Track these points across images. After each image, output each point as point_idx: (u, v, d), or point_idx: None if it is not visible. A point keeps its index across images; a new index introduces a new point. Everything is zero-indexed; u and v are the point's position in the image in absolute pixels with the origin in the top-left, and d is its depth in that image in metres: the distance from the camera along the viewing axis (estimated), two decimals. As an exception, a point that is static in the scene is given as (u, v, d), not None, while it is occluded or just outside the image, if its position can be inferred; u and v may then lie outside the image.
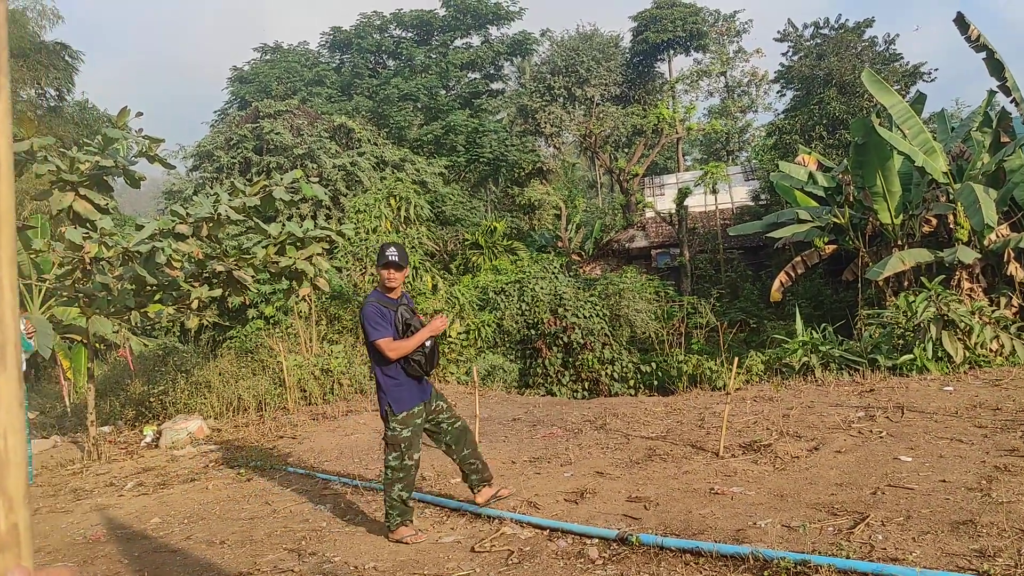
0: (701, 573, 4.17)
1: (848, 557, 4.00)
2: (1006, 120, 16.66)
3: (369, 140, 23.65)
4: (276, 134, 21.77)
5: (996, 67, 16.40)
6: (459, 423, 5.73)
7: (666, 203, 29.61)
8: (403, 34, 34.48)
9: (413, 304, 5.75)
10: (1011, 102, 16.92)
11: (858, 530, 4.41)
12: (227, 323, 14.40)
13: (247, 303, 13.82)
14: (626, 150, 36.25)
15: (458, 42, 34.28)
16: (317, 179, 18.58)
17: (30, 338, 6.69)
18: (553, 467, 6.67)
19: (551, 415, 9.04)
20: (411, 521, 5.46)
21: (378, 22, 33.91)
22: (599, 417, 8.53)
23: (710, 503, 5.30)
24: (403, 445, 5.36)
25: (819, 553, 4.13)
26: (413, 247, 14.80)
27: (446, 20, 33.62)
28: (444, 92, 31.71)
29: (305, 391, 10.94)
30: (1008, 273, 14.75)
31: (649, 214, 30.36)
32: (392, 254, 5.43)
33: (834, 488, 5.27)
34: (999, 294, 14.67)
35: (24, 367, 6.64)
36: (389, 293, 5.50)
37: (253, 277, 9.57)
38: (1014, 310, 14.30)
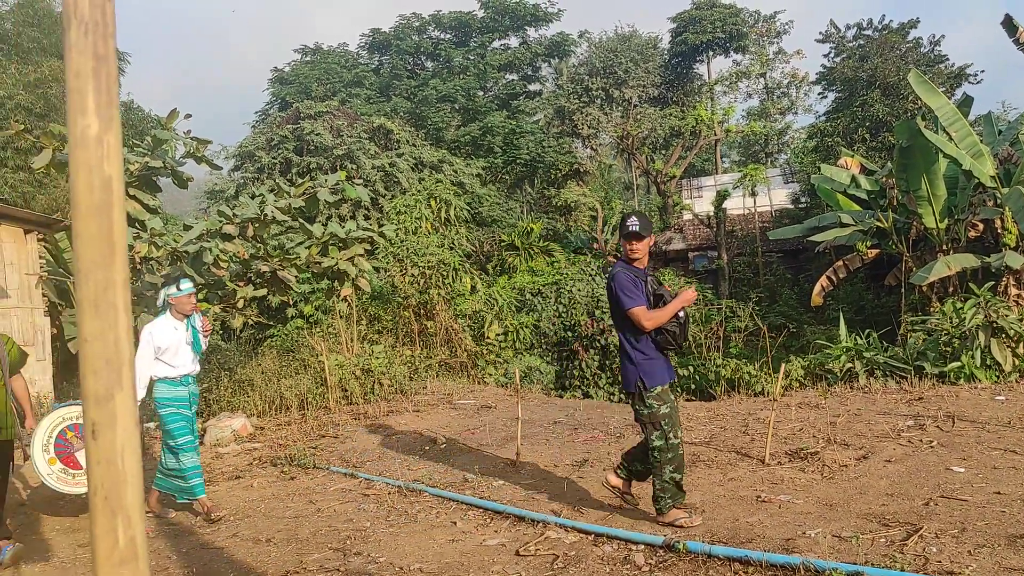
0: (750, 582, 4.13)
1: (903, 570, 3.94)
2: (1056, 123, 16.28)
3: (408, 141, 23.79)
4: (316, 135, 21.98)
5: (1047, 69, 16.01)
6: None
7: (704, 205, 29.38)
8: (441, 35, 34.60)
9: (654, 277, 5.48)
10: (1062, 105, 16.48)
11: (911, 542, 4.33)
12: (268, 322, 14.58)
13: (288, 302, 13.97)
14: (663, 152, 36.03)
15: (496, 43, 34.32)
16: (361, 181, 18.73)
17: (206, 336, 6.76)
18: (596, 471, 6.65)
19: (592, 418, 9.01)
20: (683, 503, 5.25)
21: (417, 23, 34.07)
22: (640, 421, 8.48)
23: (757, 511, 5.24)
24: (664, 423, 5.10)
25: (872, 565, 4.06)
26: (452, 247, 14.86)
27: (484, 21, 33.68)
28: (482, 93, 31.78)
29: (346, 391, 11.02)
30: (1063, 279, 14.42)
31: (687, 216, 30.15)
32: (633, 224, 5.21)
33: (885, 498, 5.19)
34: (1050, 300, 14.34)
35: (197, 369, 6.79)
36: (634, 263, 5.28)
37: (296, 277, 9.67)
38: (1064, 317, 13.96)
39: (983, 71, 31.51)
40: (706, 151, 38.42)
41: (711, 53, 36.74)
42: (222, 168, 14.28)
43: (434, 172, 22.39)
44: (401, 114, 28.29)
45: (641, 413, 5.20)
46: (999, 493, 5.01)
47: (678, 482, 5.15)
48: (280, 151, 22.42)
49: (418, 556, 5.03)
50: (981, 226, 16.87)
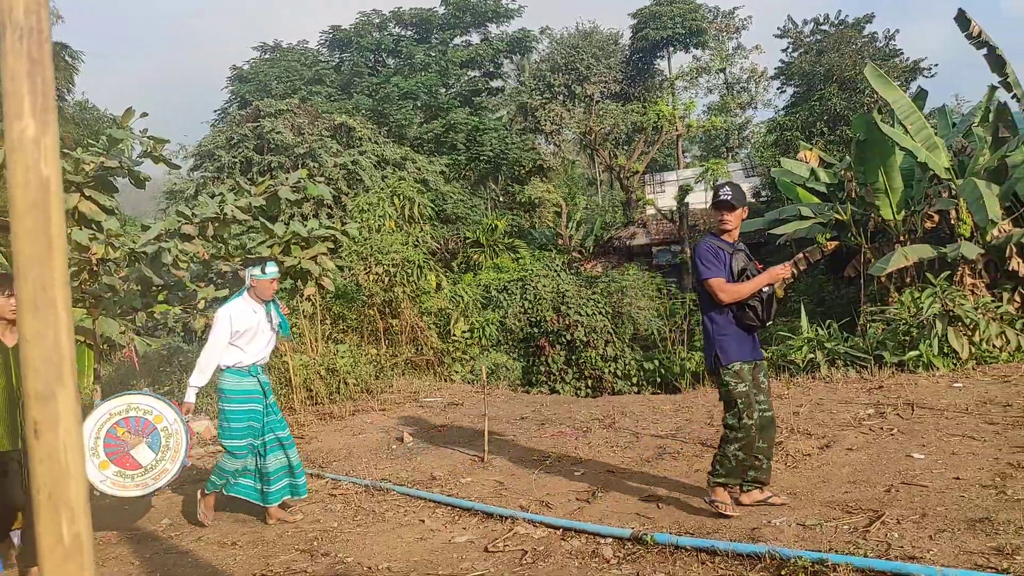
0: (717, 572, 4.16)
1: (866, 555, 3.99)
2: (1006, 115, 16.63)
3: (370, 139, 23.62)
4: (277, 133, 21.76)
5: (998, 63, 16.37)
6: (770, 412, 5.19)
7: (667, 200, 29.61)
8: (403, 32, 34.44)
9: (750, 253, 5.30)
10: (1012, 97, 16.90)
11: (874, 528, 4.40)
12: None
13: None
14: (626, 147, 36.20)
15: (458, 40, 34.26)
16: (322, 179, 18.56)
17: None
18: (564, 466, 6.66)
19: (559, 414, 9.02)
20: (735, 486, 5.08)
21: (377, 20, 33.88)
22: (607, 415, 8.52)
23: (723, 501, 5.28)
24: (739, 402, 4.90)
25: (836, 552, 4.11)
26: (416, 245, 14.81)
27: (445, 18, 33.59)
28: (444, 90, 31.70)
29: (311, 391, 10.92)
30: (1011, 268, 14.72)
31: (650, 211, 30.36)
32: (725, 193, 5.03)
33: (847, 486, 5.26)
34: (1001, 289, 14.65)
35: (268, 358, 6.40)
36: (724, 235, 5.14)
37: (258, 277, 9.54)
38: (1017, 305, 14.28)
39: (937, 65, 32.19)
40: (668, 146, 38.70)
41: (671, 49, 37.01)
42: (180, 167, 14.05)
43: (397, 170, 22.27)
44: (363, 111, 28.10)
45: (720, 390, 5.04)
46: (958, 478, 5.11)
47: (741, 461, 4.95)
48: (240, 150, 22.15)
49: (386, 555, 5.00)
50: (937, 217, 17.17)
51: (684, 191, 26.11)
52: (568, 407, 9.51)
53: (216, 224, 8.47)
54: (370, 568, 4.79)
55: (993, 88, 17.12)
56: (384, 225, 14.90)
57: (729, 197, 5.01)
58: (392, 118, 27.66)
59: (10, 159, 1.14)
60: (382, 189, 17.11)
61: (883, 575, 3.78)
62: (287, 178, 9.05)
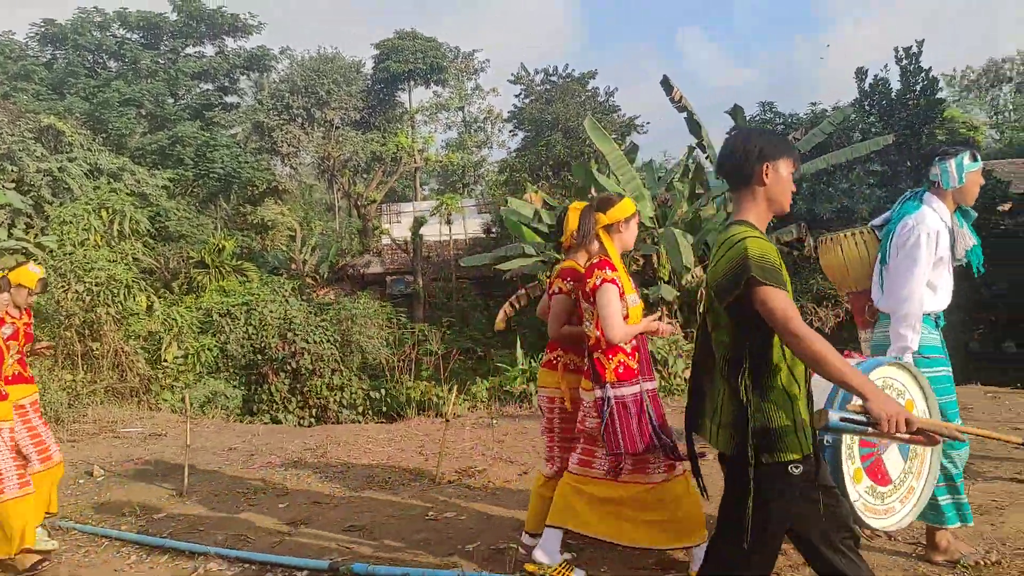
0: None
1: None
2: (701, 174, 18.80)
3: (83, 145, 21.62)
4: (-33, 130, 19.25)
5: (694, 127, 18.47)
6: None
7: (403, 230, 29.95)
8: (128, 35, 32.05)
9: None
10: (706, 158, 19.12)
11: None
12: None
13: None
14: (365, 175, 36.27)
15: (190, 50, 32.49)
16: (14, 184, 16.66)
17: None
18: (268, 498, 6.46)
19: (271, 443, 8.75)
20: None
21: (99, 19, 31.25)
22: (320, 445, 8.40)
23: (425, 528, 5.40)
24: None
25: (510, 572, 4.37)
26: (128, 265, 13.72)
27: (177, 25, 31.74)
28: (172, 101, 29.85)
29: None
30: (700, 311, 16.53)
31: (385, 240, 30.55)
32: None
33: (539, 510, 5.59)
34: (692, 329, 16.42)
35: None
36: None
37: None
38: (704, 343, 16.03)
39: (649, 123, 35.57)
40: (406, 177, 39.26)
41: (413, 83, 37.76)
42: None
43: (113, 180, 20.55)
44: (77, 115, 25.66)
45: None
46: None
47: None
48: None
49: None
50: (642, 260, 18.92)
51: (419, 223, 26.60)
52: (282, 437, 9.25)
53: None
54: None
55: (691, 148, 19.27)
56: (89, 239, 13.67)
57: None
58: (111, 125, 25.49)
59: None
60: (90, 201, 15.69)
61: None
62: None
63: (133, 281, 12.42)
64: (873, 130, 19.37)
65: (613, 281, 4.06)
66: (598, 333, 4.07)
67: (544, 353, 4.78)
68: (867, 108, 20.07)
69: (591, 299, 4.12)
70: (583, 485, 4.17)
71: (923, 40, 19.16)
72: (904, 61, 19.35)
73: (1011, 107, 46.84)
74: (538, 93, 33.85)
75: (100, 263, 12.72)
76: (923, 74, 19.27)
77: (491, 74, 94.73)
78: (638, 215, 4.35)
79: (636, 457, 4.04)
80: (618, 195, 4.35)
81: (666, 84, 18.22)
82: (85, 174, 19.81)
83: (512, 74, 35.85)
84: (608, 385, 4.04)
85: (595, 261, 4.18)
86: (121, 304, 12.26)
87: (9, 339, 5.44)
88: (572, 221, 4.52)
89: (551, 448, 4.63)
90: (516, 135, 36.21)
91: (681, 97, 17.92)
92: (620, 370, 4.08)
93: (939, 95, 19.86)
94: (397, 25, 36.36)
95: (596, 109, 31.41)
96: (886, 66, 21.12)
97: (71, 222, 13.96)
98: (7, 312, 5.48)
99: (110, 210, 15.20)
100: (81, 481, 7.47)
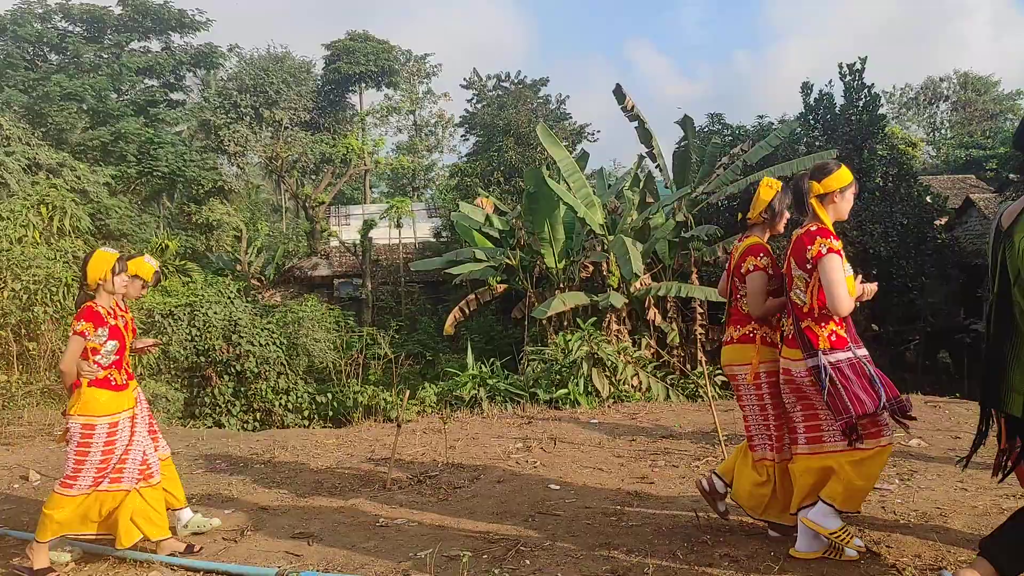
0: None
1: (499, 583, 4.23)
2: (651, 183, 19.01)
3: (20, 139, 20.98)
4: None
5: (645, 136, 18.67)
6: None
7: (352, 233, 29.70)
8: (70, 28, 31.21)
9: None
10: (656, 167, 19.33)
11: (510, 555, 4.67)
12: None
13: None
14: (314, 177, 35.88)
15: (135, 44, 31.76)
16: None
17: None
18: (214, 504, 6.30)
19: (215, 449, 8.55)
20: None
21: (40, 11, 30.39)
22: (268, 450, 8.23)
23: (375, 536, 5.31)
24: None
25: (473, 581, 4.32)
26: (68, 263, 13.30)
27: (122, 19, 31.02)
28: (115, 96, 29.14)
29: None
30: (649, 318, 16.72)
31: (334, 243, 30.28)
32: None
33: (492, 516, 5.55)
34: (640, 336, 16.58)
35: None
36: None
37: None
38: (652, 351, 16.23)
39: (600, 131, 35.90)
40: (356, 180, 38.96)
41: (364, 85, 37.49)
42: None
43: (52, 176, 19.96)
44: (15, 108, 24.92)
45: None
46: (587, 508, 5.61)
47: None
48: None
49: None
50: (591, 268, 19.07)
51: (368, 226, 26.40)
52: (227, 442, 9.05)
53: None
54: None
55: (641, 157, 19.49)
56: (27, 236, 13.23)
57: None
58: (51, 119, 24.80)
59: None
60: (28, 196, 15.22)
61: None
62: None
63: (73, 280, 12.03)
64: (818, 143, 19.79)
65: (839, 252, 3.93)
66: (810, 302, 3.99)
67: (731, 328, 4.59)
68: (812, 122, 20.50)
69: (807, 267, 4.00)
70: (819, 461, 4.10)
71: (866, 57, 19.67)
72: (848, 77, 19.82)
73: (947, 124, 48.45)
74: (490, 99, 33.89)
75: (39, 261, 12.31)
76: (866, 90, 19.76)
77: (443, 79, 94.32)
78: (855, 185, 4.17)
79: (868, 419, 3.94)
80: (836, 162, 4.16)
81: (619, 93, 18.40)
82: (23, 169, 19.22)
83: (464, 78, 35.89)
84: (820, 353, 3.96)
85: (812, 229, 4.02)
86: (60, 303, 11.89)
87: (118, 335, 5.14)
88: (765, 196, 4.43)
89: (766, 427, 4.46)
90: (468, 140, 36.20)
91: (633, 106, 18.11)
92: (833, 338, 3.99)
93: (880, 111, 20.37)
94: (350, 26, 35.94)
95: (548, 116, 31.56)
96: (830, 81, 21.61)
97: (8, 218, 13.50)
98: (115, 304, 5.20)
99: (50, 206, 14.75)
100: (16, 486, 7.20)
